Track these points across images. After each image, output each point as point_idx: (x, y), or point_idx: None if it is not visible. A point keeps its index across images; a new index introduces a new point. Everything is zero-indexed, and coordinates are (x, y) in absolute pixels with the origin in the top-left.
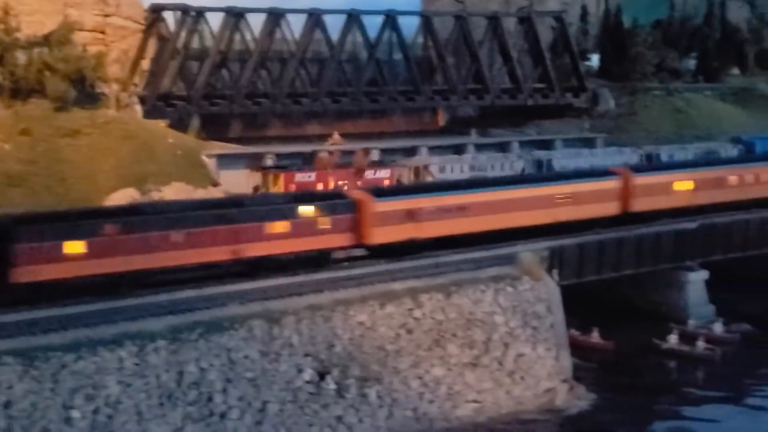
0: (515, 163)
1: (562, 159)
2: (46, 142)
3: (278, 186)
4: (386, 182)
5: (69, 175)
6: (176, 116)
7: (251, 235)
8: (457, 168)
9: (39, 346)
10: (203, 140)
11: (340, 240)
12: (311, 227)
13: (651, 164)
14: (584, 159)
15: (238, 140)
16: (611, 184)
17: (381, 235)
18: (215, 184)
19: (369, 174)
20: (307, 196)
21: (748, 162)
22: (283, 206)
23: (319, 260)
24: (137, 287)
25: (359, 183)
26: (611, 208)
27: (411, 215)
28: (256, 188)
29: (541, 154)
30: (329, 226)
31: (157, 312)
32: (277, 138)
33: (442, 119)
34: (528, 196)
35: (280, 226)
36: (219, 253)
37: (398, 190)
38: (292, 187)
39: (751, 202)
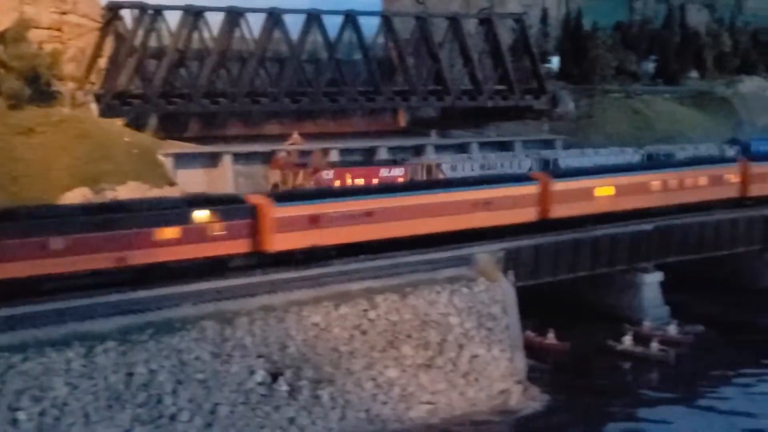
0: (523, 162)
1: (567, 158)
2: (0, 140)
3: (299, 183)
4: (401, 180)
5: (22, 174)
6: (133, 115)
7: (138, 241)
8: (467, 166)
9: None
10: (161, 139)
11: (236, 247)
12: (205, 233)
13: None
14: (588, 158)
15: (196, 139)
16: (529, 189)
17: (281, 242)
18: (172, 184)
19: (383, 172)
20: (201, 199)
21: (679, 166)
22: (174, 211)
23: (213, 268)
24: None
25: (314, 183)
26: (528, 215)
27: (314, 221)
28: (275, 185)
29: (548, 153)
30: (224, 232)
31: (106, 312)
32: (236, 137)
33: (403, 120)
34: (440, 202)
35: (171, 232)
36: (102, 261)
37: (301, 195)
38: (312, 184)
39: (675, 207)
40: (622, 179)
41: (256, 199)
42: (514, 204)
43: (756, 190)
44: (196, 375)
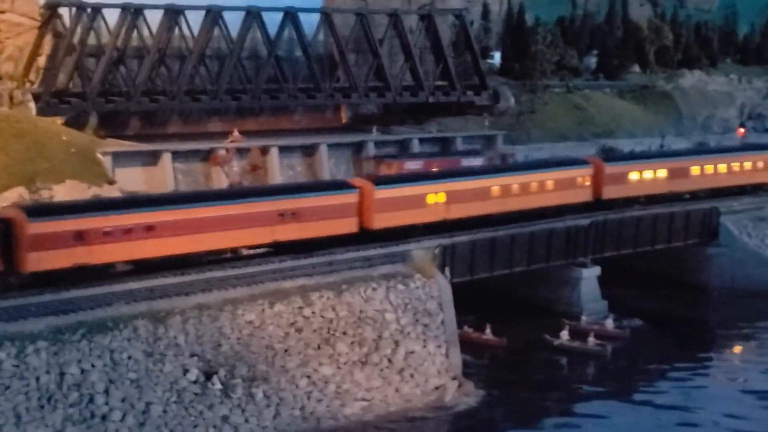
0: None
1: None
2: None
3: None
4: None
5: None
6: (73, 114)
7: None
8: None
9: None
10: (100, 138)
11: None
12: None
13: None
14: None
15: (136, 138)
16: (347, 198)
17: (39, 262)
18: (111, 182)
19: (465, 162)
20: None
21: (527, 169)
22: None
23: None
24: None
25: (253, 180)
26: (346, 226)
27: (80, 237)
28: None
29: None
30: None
31: (38, 312)
32: (176, 135)
33: (344, 116)
34: (237, 214)
35: None
36: None
37: (66, 208)
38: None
39: (518, 213)
40: (456, 185)
41: (8, 213)
42: (329, 214)
43: (611, 192)
44: (129, 374)
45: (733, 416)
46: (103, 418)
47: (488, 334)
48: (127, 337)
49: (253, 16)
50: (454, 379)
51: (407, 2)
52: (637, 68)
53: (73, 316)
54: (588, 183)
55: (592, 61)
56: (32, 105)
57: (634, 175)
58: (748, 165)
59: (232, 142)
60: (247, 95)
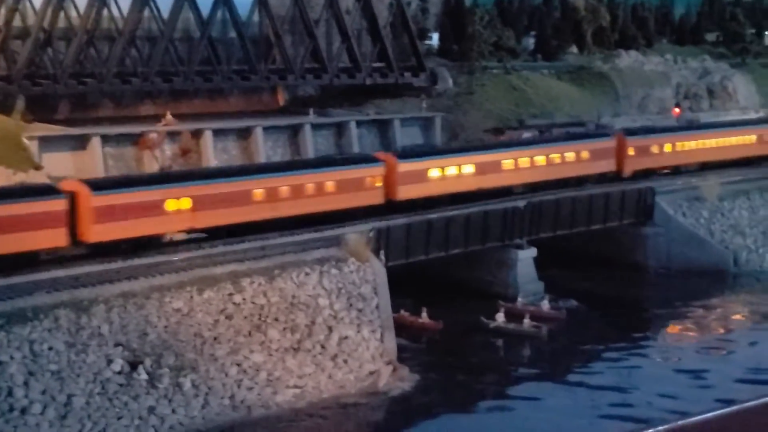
0: None
1: None
2: None
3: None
4: None
5: None
6: None
7: None
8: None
9: None
10: (28, 122)
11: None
12: None
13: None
14: None
15: (66, 122)
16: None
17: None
18: (37, 168)
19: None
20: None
21: (301, 168)
22: None
23: None
24: None
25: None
26: (52, 239)
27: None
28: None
29: None
30: None
31: None
32: (108, 119)
33: (281, 99)
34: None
35: None
36: None
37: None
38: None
39: (281, 222)
40: (199, 189)
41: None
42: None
43: (406, 192)
44: (50, 366)
45: (667, 396)
46: (23, 411)
47: (424, 317)
48: (47, 327)
49: None
50: (388, 364)
51: None
52: (575, 49)
53: None
54: (379, 183)
55: (530, 42)
56: None
57: (434, 172)
58: (570, 156)
59: (165, 125)
60: (179, 77)
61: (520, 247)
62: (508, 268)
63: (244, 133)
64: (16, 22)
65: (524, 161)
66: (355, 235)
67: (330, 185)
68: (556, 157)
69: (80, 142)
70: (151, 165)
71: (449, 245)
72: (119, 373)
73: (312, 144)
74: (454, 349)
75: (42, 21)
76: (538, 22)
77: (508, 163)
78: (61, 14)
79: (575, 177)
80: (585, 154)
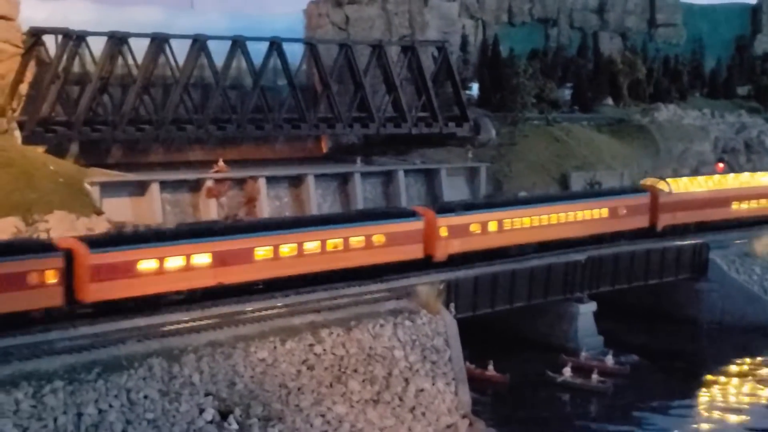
0: None
1: None
2: None
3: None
4: None
5: None
6: (55, 142)
7: None
8: None
9: None
10: (83, 166)
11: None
12: None
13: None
14: None
15: (118, 166)
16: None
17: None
18: (99, 213)
19: None
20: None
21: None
22: None
23: None
24: None
25: (249, 214)
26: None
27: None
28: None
29: None
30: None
31: (52, 351)
32: (158, 164)
33: (325, 146)
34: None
35: None
36: None
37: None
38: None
39: None
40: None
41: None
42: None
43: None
44: (146, 414)
45: None
46: None
47: (491, 370)
48: (142, 376)
49: (238, 45)
50: (464, 417)
51: (387, 33)
52: (609, 101)
53: (86, 355)
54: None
55: (566, 93)
56: (17, 134)
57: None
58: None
59: (217, 172)
60: (232, 125)
61: (580, 300)
62: (568, 321)
63: (296, 181)
64: (75, 68)
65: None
66: (427, 287)
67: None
68: None
69: (139, 188)
70: (208, 212)
71: (513, 298)
72: (211, 422)
73: (361, 192)
74: (523, 402)
75: (102, 68)
76: (574, 74)
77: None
78: (118, 61)
79: None
80: None
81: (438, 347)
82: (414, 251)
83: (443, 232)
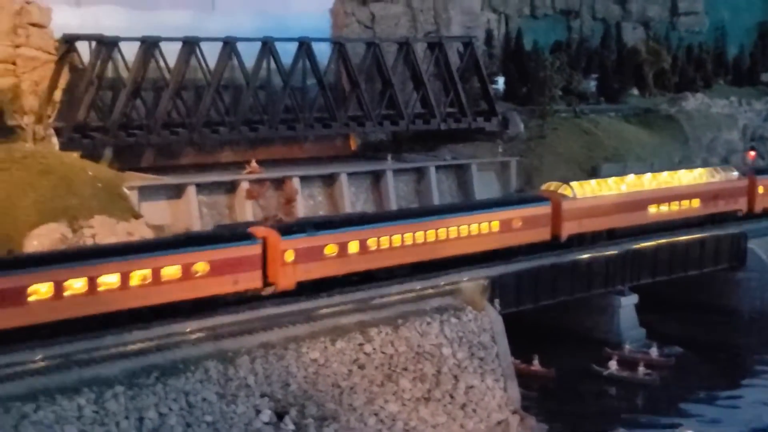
0: None
1: None
2: None
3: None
4: None
5: None
6: (90, 147)
7: None
8: None
9: None
10: (118, 171)
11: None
12: None
13: None
14: None
15: (151, 170)
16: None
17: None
18: (137, 216)
19: None
20: None
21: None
22: None
23: None
24: None
25: (287, 214)
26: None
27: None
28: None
29: None
30: None
31: (110, 357)
32: (191, 166)
33: (354, 144)
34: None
35: None
36: None
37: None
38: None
39: None
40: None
41: None
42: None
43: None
44: (205, 417)
45: None
46: None
47: (536, 365)
48: (199, 379)
49: (268, 46)
50: (514, 413)
51: (413, 29)
52: (635, 91)
53: (143, 359)
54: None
55: (591, 84)
56: (55, 140)
57: None
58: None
59: (250, 173)
60: (264, 125)
61: (621, 293)
62: (610, 314)
63: (329, 180)
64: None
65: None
66: (471, 284)
67: None
68: None
69: (176, 191)
70: (244, 213)
71: (557, 293)
72: (268, 423)
73: (393, 189)
74: (570, 397)
75: (137, 74)
76: (598, 65)
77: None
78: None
79: None
80: None
81: (485, 344)
82: (250, 280)
83: (289, 256)
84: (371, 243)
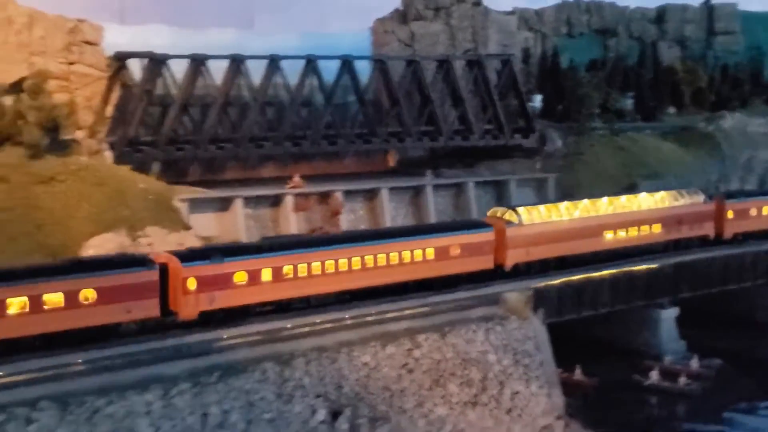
0: None
1: None
2: (23, 189)
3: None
4: None
5: (46, 222)
6: (140, 161)
7: None
8: None
9: (72, 392)
10: (167, 184)
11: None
12: None
13: None
14: None
15: (197, 183)
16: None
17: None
18: (187, 228)
19: None
20: None
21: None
22: None
23: None
24: None
25: (331, 226)
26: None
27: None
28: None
29: None
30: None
31: (174, 356)
32: (235, 181)
33: (392, 160)
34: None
35: None
36: None
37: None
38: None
39: None
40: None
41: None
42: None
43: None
44: (264, 415)
45: None
46: None
47: (579, 374)
48: (258, 379)
49: (312, 64)
50: (559, 419)
51: (451, 47)
52: (671, 109)
53: (205, 359)
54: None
55: (628, 102)
56: (108, 154)
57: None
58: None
59: (293, 187)
60: (306, 141)
61: (662, 306)
62: (650, 327)
63: (370, 194)
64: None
65: None
66: (516, 293)
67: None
68: None
69: (224, 204)
70: (288, 226)
71: (598, 304)
72: (323, 422)
73: (433, 204)
74: (612, 405)
75: (186, 90)
76: (634, 83)
77: None
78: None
79: None
80: None
81: (529, 351)
82: (145, 308)
83: (191, 284)
84: (287, 271)
